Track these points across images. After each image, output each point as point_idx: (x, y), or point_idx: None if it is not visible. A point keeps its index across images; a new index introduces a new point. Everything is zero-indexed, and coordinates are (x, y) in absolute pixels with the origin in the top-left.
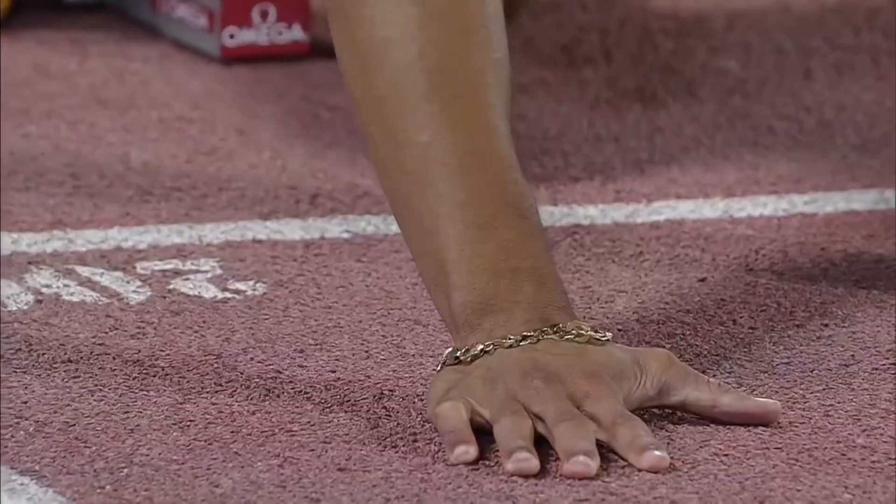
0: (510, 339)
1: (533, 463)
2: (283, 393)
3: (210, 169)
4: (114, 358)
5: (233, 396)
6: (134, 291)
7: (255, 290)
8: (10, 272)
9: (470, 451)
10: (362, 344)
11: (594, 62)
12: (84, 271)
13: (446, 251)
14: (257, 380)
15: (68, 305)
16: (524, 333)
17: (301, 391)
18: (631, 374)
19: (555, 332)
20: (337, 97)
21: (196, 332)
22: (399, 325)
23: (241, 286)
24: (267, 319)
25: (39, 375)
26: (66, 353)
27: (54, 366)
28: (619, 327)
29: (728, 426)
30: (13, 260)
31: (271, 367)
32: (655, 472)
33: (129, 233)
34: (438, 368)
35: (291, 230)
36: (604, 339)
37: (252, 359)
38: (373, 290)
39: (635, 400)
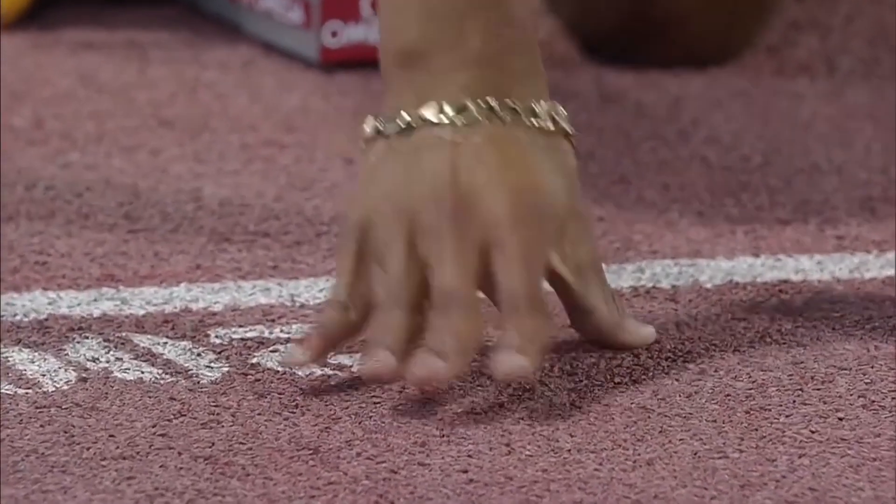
0: (444, 112)
1: (387, 366)
2: (399, 499)
3: (307, 208)
4: (179, 453)
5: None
6: (206, 367)
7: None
8: (47, 342)
9: (298, 356)
10: (502, 435)
11: (812, 70)
12: (142, 341)
13: None
14: (366, 482)
15: (121, 385)
16: (461, 103)
17: (423, 496)
18: (574, 232)
19: (501, 110)
20: None
21: (287, 419)
22: (550, 411)
23: (344, 360)
24: (378, 403)
25: (84, 476)
26: (117, 447)
27: (102, 463)
28: (840, 415)
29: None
30: (49, 326)
31: (384, 465)
32: (507, 383)
33: (200, 291)
34: (363, 143)
35: None
36: (565, 131)
37: (359, 454)
38: None
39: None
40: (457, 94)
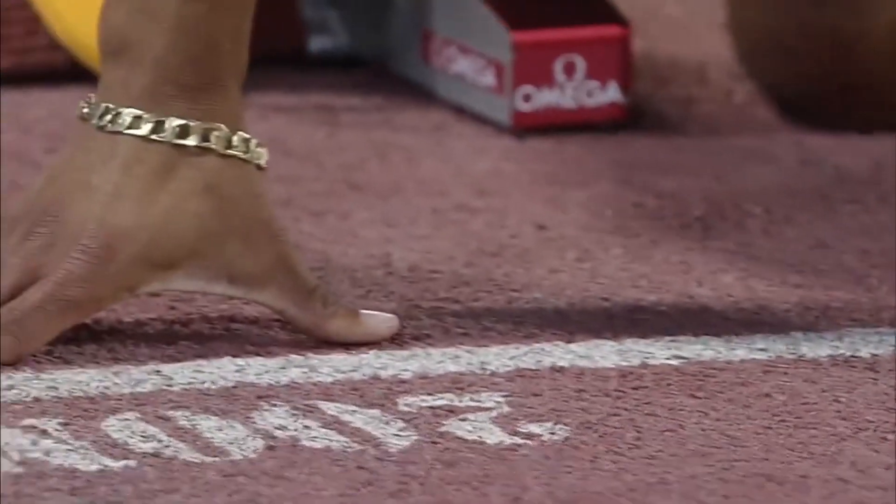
0: (117, 114)
1: None
2: None
3: (497, 274)
4: None
5: None
6: (395, 435)
7: (553, 433)
8: (234, 409)
9: None
10: None
11: None
12: (330, 408)
13: None
14: None
15: (309, 453)
16: (136, 113)
17: None
18: (234, 247)
19: (162, 125)
20: (667, 179)
21: (476, 489)
22: (746, 482)
23: (535, 429)
24: (569, 473)
25: None
26: None
27: None
28: None
29: None
30: (237, 393)
31: None
32: None
33: (389, 358)
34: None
35: (603, 355)
36: (220, 149)
37: None
38: (710, 435)
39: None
40: (134, 96)
